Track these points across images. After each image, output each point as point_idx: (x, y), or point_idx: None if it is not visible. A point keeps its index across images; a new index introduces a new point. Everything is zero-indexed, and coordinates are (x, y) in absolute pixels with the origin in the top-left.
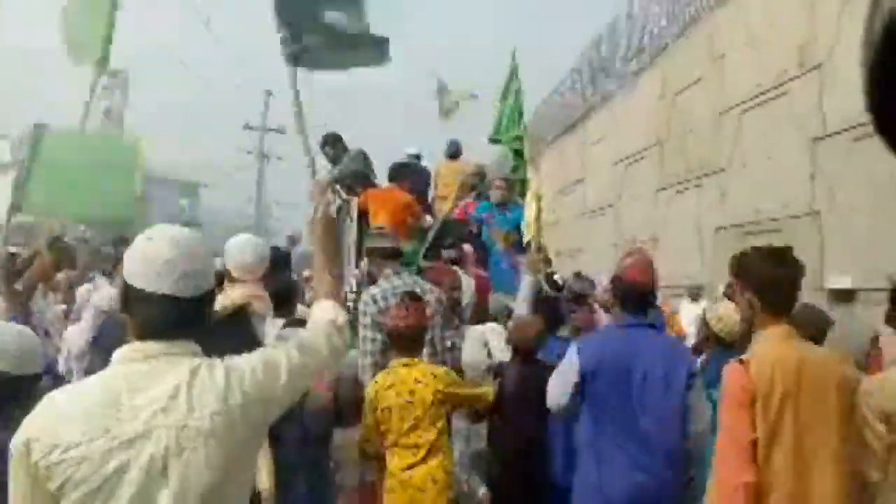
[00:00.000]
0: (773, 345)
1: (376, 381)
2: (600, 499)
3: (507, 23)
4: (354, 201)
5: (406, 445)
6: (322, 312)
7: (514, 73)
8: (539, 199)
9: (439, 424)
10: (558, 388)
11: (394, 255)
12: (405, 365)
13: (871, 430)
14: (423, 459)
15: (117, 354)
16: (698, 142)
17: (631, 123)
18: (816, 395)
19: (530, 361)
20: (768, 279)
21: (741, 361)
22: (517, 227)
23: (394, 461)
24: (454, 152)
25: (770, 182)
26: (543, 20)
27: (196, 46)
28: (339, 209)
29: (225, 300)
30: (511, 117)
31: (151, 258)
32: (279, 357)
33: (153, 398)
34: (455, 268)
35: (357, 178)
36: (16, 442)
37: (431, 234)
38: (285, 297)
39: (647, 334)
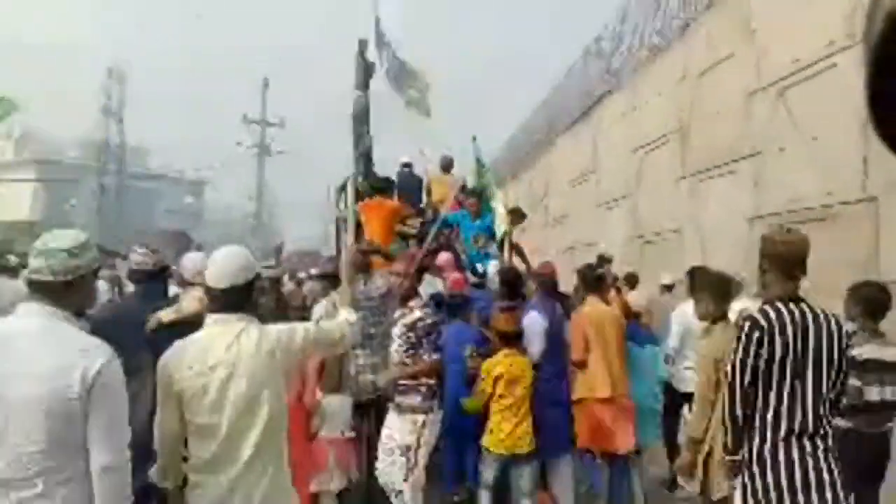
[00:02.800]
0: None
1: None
2: None
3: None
4: (351, 213)
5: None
6: (342, 314)
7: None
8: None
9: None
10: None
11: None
12: (506, 355)
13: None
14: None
15: (208, 320)
16: (727, 125)
17: (649, 108)
18: None
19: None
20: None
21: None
22: (487, 230)
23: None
24: (446, 165)
25: (815, 166)
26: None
27: (192, 40)
28: (337, 219)
29: (184, 304)
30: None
31: (211, 269)
32: (299, 329)
33: (220, 345)
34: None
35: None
36: (160, 367)
37: (429, 239)
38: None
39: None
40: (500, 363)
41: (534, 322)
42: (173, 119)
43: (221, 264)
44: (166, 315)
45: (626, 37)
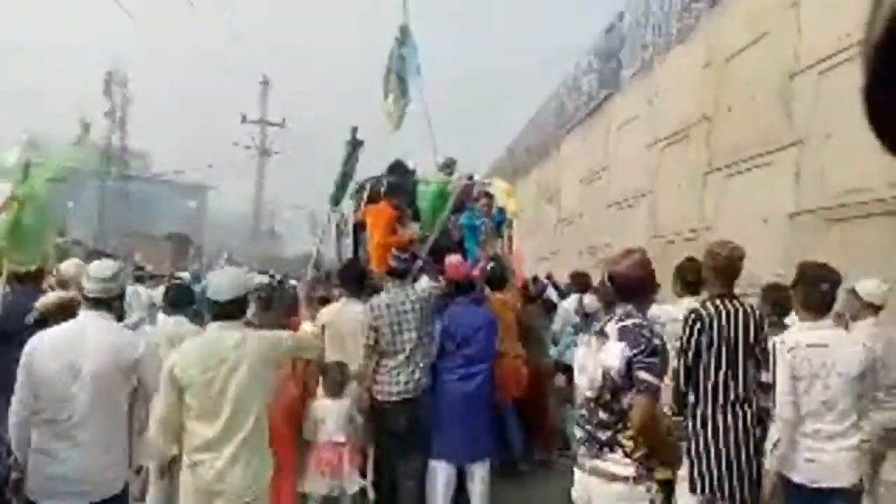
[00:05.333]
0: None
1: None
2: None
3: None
4: (350, 217)
5: None
6: (306, 326)
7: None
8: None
9: None
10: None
11: (401, 274)
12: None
13: None
14: None
15: (212, 325)
16: (760, 113)
17: (668, 99)
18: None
19: None
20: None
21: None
22: (497, 229)
23: None
24: (446, 165)
25: (867, 155)
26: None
27: (193, 41)
28: (338, 224)
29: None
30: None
31: (214, 284)
32: (286, 338)
33: (227, 345)
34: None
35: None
36: (165, 367)
37: (429, 243)
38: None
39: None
40: None
41: None
42: (172, 121)
43: (222, 282)
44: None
45: (634, 29)
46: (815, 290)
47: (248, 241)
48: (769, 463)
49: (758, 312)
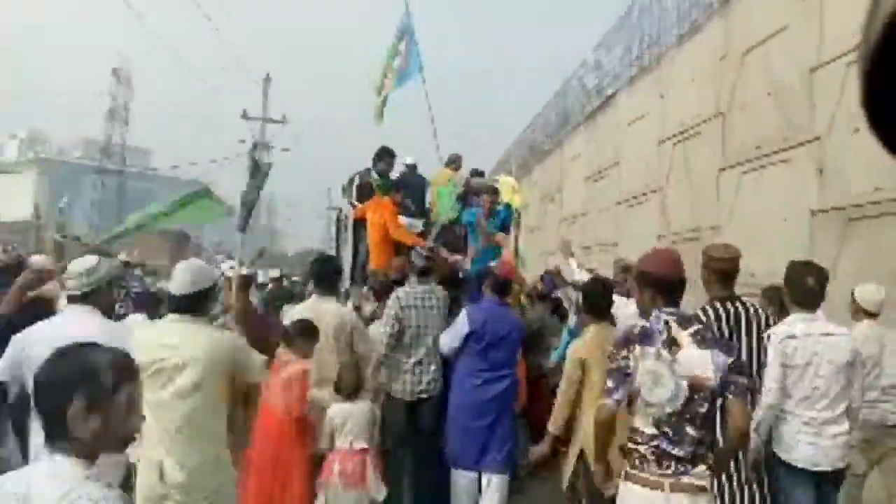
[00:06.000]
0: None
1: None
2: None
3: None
4: (350, 213)
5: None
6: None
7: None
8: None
9: None
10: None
11: (423, 271)
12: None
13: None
14: None
15: (167, 317)
16: (780, 107)
17: (680, 95)
18: None
19: None
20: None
21: None
22: (502, 228)
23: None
24: (452, 161)
25: None
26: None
27: (196, 40)
28: (338, 219)
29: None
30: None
31: (173, 277)
32: (242, 347)
33: (175, 339)
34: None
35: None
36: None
37: (430, 239)
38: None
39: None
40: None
41: None
42: (174, 118)
43: (180, 275)
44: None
45: (643, 22)
46: (801, 287)
47: (247, 239)
48: (753, 441)
49: (763, 313)
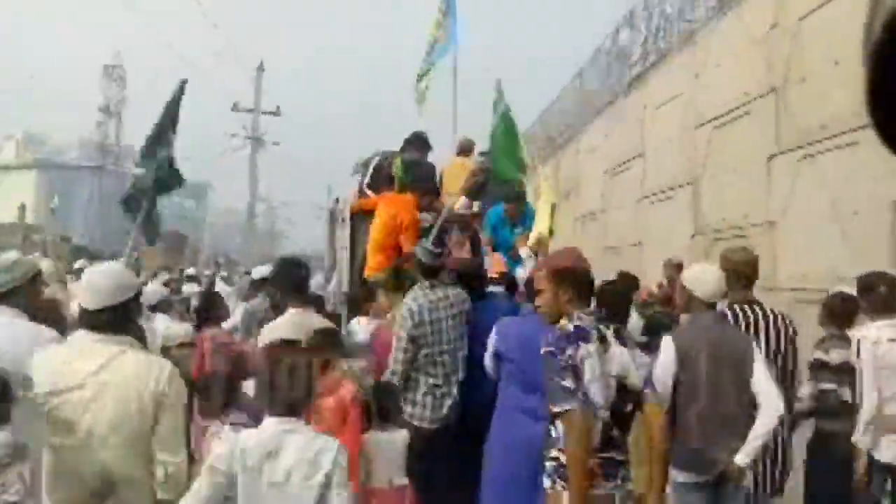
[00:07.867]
0: None
1: None
2: None
3: None
4: (347, 204)
5: None
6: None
7: (500, 110)
8: (552, 207)
9: None
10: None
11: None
12: None
13: None
14: None
15: (76, 336)
16: (845, 80)
17: (719, 72)
18: None
19: None
20: None
21: None
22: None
23: None
24: (465, 149)
25: None
26: None
27: (190, 35)
28: (332, 212)
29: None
30: (506, 160)
31: (84, 288)
32: (171, 373)
33: (87, 366)
34: None
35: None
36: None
37: (434, 231)
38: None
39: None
40: None
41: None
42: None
43: (94, 283)
44: None
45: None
46: (874, 295)
47: (246, 240)
48: (861, 444)
49: (787, 319)
